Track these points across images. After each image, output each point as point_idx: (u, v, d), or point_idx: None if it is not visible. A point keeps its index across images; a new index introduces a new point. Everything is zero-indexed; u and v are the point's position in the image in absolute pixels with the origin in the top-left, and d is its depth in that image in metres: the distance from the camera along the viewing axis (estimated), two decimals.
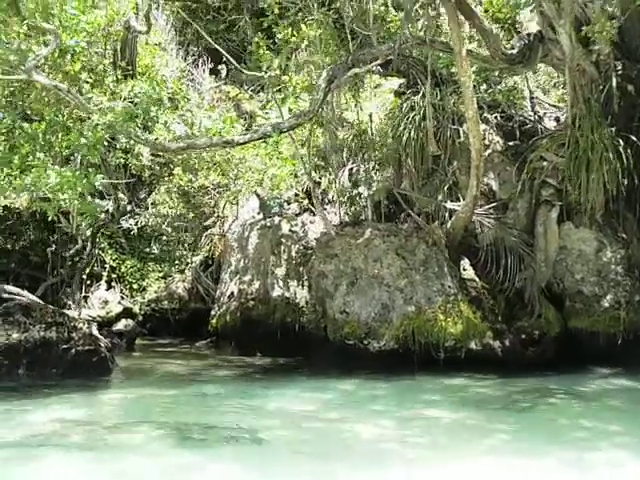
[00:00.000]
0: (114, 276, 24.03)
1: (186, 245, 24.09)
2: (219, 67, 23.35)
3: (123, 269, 24.28)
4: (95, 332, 13.91)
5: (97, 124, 10.21)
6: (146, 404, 10.51)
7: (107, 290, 23.32)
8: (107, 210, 18.48)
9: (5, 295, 16.15)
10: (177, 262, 24.63)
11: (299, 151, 13.88)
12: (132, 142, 12.42)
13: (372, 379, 12.35)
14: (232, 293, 17.55)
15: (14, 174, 12.50)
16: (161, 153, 14.56)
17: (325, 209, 17.05)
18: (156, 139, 11.79)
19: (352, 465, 7.07)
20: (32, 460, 6.87)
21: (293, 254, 16.82)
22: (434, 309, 12.97)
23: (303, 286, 16.61)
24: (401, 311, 13.04)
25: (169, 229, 22.63)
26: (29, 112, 13.01)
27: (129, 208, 18.45)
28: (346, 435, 8.57)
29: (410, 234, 13.65)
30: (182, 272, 23.62)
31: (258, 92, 21.24)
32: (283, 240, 16.98)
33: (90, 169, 10.84)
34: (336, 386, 12.07)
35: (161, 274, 23.97)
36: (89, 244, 18.88)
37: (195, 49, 24.49)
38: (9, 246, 24.39)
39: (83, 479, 6.25)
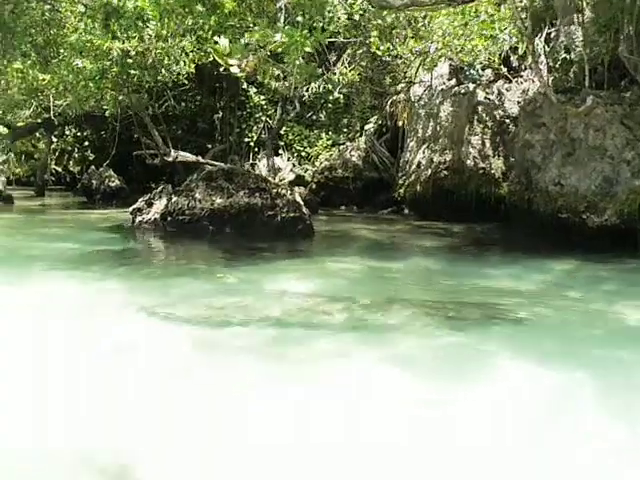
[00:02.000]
0: (281, 144, 23.88)
1: (356, 113, 23.57)
2: None
3: (290, 137, 24.07)
4: (298, 199, 13.72)
5: None
6: (376, 277, 10.19)
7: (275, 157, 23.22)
8: None
9: (179, 159, 16.24)
10: (345, 130, 24.23)
11: (517, 12, 12.82)
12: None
13: (591, 258, 11.58)
14: (420, 162, 17.05)
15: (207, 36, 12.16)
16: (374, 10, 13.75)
17: (522, 76, 16.14)
18: None
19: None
20: (307, 343, 6.60)
21: (489, 123, 16.09)
22: None
23: (499, 156, 15.96)
24: (627, 185, 12.15)
25: (340, 96, 22.05)
26: None
27: (319, 71, 17.90)
28: (608, 317, 7.98)
29: (635, 102, 12.61)
30: (352, 140, 23.21)
31: None
32: (478, 108, 16.23)
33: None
34: (554, 264, 11.44)
35: (329, 142, 23.64)
36: (279, 109, 18.53)
37: None
38: (177, 112, 24.49)
39: (360, 364, 5.89)
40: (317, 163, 22.91)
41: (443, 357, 6.09)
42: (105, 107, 17.50)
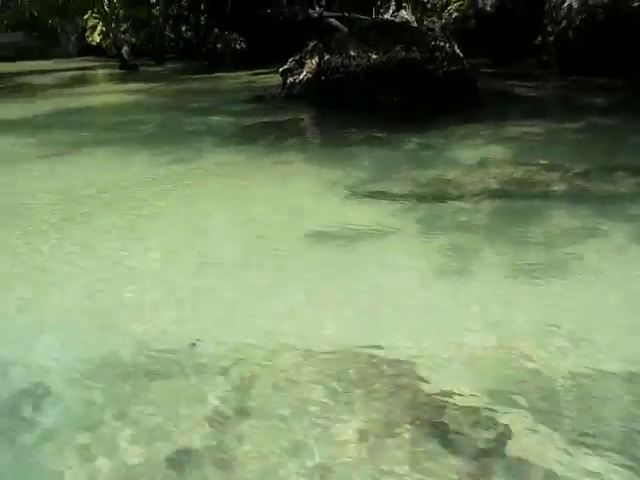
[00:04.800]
0: None
1: None
2: None
3: None
4: (458, 51, 12.99)
5: None
6: (567, 141, 9.44)
7: (397, 11, 22.20)
8: None
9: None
10: None
11: None
12: None
13: None
14: (572, 5, 15.91)
15: None
16: None
17: None
18: None
19: None
20: (542, 219, 5.99)
21: None
22: None
23: None
24: None
25: None
26: None
27: None
28: None
29: None
30: None
31: None
32: None
33: None
34: None
35: None
36: None
37: None
38: None
39: (616, 241, 5.39)
40: (444, 14, 21.78)
41: None
42: None
